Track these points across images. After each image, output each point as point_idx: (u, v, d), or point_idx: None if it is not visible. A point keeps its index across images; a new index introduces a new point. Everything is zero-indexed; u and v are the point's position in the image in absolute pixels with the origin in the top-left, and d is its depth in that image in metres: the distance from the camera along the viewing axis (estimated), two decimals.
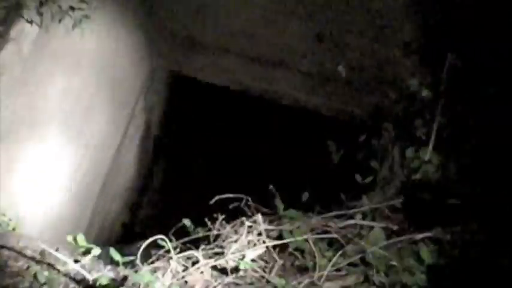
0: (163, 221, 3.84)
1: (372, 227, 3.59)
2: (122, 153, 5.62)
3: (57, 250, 3.33)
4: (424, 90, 3.79)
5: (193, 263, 3.38)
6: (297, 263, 3.43)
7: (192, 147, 6.69)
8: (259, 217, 3.55)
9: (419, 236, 3.48)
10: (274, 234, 3.55)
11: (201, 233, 3.62)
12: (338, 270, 3.34)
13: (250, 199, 3.66)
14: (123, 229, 6.09)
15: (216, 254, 3.45)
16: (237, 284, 3.27)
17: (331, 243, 3.54)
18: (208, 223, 3.61)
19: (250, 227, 3.52)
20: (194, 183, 6.51)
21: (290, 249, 3.46)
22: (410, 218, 3.63)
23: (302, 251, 3.44)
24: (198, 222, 3.70)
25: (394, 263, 3.24)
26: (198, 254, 3.39)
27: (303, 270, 3.38)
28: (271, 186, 3.69)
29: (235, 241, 3.44)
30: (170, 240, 3.40)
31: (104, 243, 4.04)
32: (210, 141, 6.63)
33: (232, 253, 3.37)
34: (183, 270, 3.33)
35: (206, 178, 6.43)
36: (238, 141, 6.42)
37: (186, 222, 3.64)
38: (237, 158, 6.46)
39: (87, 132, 4.74)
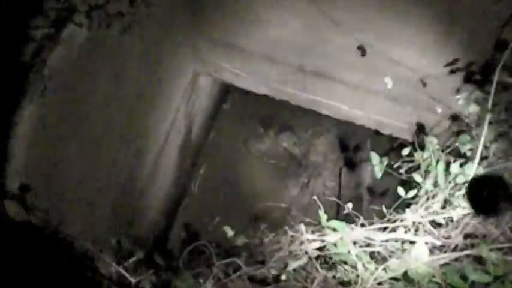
0: (201, 227, 3.87)
1: (415, 242, 3.57)
2: (162, 158, 5.66)
3: (100, 251, 3.36)
4: (471, 105, 3.76)
5: (235, 271, 3.38)
6: (338, 275, 3.41)
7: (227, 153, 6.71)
8: (302, 227, 3.54)
9: (464, 253, 3.45)
10: (317, 245, 3.54)
11: (242, 240, 3.61)
12: (380, 284, 3.32)
13: (293, 208, 3.66)
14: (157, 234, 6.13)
15: (258, 262, 3.44)
16: None
17: (373, 256, 3.52)
18: (251, 231, 3.61)
19: (292, 236, 3.51)
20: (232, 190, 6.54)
21: (332, 261, 3.44)
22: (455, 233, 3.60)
23: (344, 263, 3.42)
24: (239, 230, 3.71)
25: (437, 279, 3.20)
26: (239, 261, 3.38)
27: (345, 282, 3.37)
28: (314, 197, 3.68)
29: (278, 250, 3.44)
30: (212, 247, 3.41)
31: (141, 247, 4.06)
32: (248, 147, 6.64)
33: (274, 262, 3.36)
34: (225, 277, 3.33)
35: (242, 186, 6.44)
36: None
37: (227, 229, 3.64)
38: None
39: (130, 137, 4.78)
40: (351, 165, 5.60)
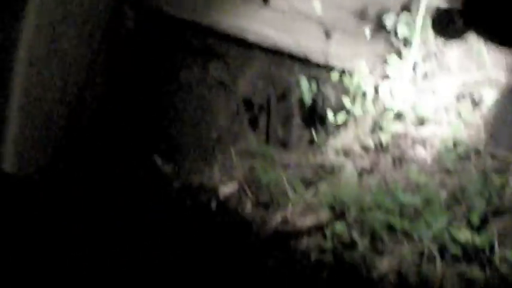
0: None
1: (344, 166, 3.57)
2: None
3: None
4: (400, 26, 3.73)
5: None
6: (270, 200, 3.38)
7: None
8: (232, 152, 3.49)
9: (393, 173, 3.48)
10: (247, 170, 3.50)
11: (169, 168, 3.55)
12: (311, 207, 3.31)
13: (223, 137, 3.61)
14: None
15: (186, 189, 3.39)
16: (209, 218, 3.22)
17: (303, 180, 3.51)
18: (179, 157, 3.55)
19: (222, 163, 3.47)
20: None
21: (263, 186, 3.41)
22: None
23: (275, 187, 3.40)
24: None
25: (368, 201, 3.22)
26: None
27: (276, 207, 3.35)
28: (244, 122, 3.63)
29: (207, 178, 3.39)
30: None
31: None
32: None
33: (203, 188, 3.32)
34: None
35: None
36: None
37: (157, 159, 3.57)
38: None
39: None
40: (281, 92, 5.53)
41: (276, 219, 3.23)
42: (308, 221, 3.22)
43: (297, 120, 4.11)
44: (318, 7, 4.14)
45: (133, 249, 3.11)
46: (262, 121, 4.08)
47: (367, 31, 4.06)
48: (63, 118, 4.15)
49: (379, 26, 4.04)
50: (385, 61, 3.94)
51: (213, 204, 3.30)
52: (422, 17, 3.70)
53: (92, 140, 3.71)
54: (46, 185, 3.37)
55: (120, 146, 3.79)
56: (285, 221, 3.24)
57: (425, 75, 3.81)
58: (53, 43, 4.01)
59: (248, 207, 3.34)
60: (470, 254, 3.06)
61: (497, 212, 3.22)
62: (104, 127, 3.78)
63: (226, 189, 3.37)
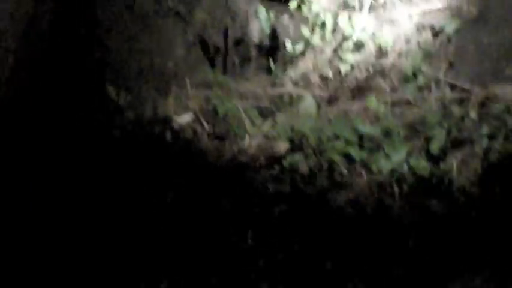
0: None
1: (303, 96, 3.51)
2: None
3: None
4: None
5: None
6: (227, 130, 3.30)
7: None
8: (187, 82, 3.39)
9: (353, 105, 3.42)
10: (202, 101, 3.41)
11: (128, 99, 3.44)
12: (269, 138, 3.24)
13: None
14: None
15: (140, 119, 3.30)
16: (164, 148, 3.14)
17: (262, 111, 3.43)
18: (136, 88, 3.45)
19: (177, 93, 3.37)
20: None
21: (220, 117, 3.33)
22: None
23: (232, 119, 3.32)
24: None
25: (327, 131, 3.15)
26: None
27: (233, 137, 3.27)
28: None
29: (163, 107, 3.29)
30: None
31: None
32: None
33: (158, 118, 3.22)
34: None
35: None
36: None
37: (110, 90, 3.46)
38: None
39: None
40: (239, 22, 5.40)
41: (232, 150, 3.16)
42: (265, 152, 3.15)
43: (254, 50, 4.00)
44: None
45: (87, 182, 3.01)
46: (219, 52, 3.96)
47: None
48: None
49: None
50: None
51: (168, 135, 3.21)
52: None
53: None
54: None
55: (72, 78, 3.65)
56: (242, 152, 3.17)
57: (385, 5, 3.72)
58: None
59: (204, 138, 3.26)
60: (429, 185, 3.04)
61: (457, 143, 3.19)
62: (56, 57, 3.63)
63: (182, 119, 3.28)
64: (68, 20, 3.94)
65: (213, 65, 3.84)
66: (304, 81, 3.66)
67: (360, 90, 3.57)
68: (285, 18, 3.98)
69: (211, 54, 3.96)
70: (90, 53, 3.87)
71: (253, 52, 3.98)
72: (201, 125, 3.32)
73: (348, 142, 3.12)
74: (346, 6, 3.82)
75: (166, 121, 3.28)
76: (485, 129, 3.18)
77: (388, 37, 3.61)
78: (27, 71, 3.46)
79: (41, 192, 2.94)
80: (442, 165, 3.07)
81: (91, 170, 3.07)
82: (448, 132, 3.16)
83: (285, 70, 3.77)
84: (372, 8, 3.75)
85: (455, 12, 3.59)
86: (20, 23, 4.48)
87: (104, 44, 3.87)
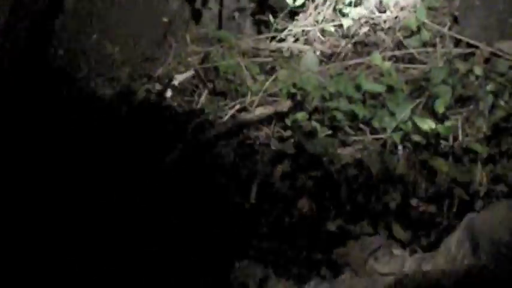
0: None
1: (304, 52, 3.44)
2: None
3: None
4: None
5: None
6: (227, 87, 3.24)
7: None
8: (187, 37, 3.32)
9: (355, 61, 3.37)
10: (202, 57, 3.34)
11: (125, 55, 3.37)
12: (271, 95, 3.18)
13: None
14: None
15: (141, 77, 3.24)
16: (163, 108, 3.08)
17: (262, 67, 3.37)
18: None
19: (176, 48, 3.30)
20: None
21: (220, 73, 3.26)
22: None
23: (233, 75, 3.25)
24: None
25: (329, 89, 3.09)
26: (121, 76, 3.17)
27: (234, 95, 3.21)
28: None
29: (161, 64, 3.22)
30: None
31: None
32: None
33: (157, 77, 3.16)
34: None
35: None
36: None
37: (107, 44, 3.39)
38: None
39: None
40: None
41: (234, 107, 3.11)
42: (268, 109, 3.09)
43: (252, 3, 3.91)
44: None
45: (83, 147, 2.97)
46: (215, 4, 3.86)
47: None
48: None
49: None
50: None
51: (168, 93, 3.14)
52: None
53: None
54: None
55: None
56: (243, 109, 3.12)
57: None
58: None
59: (205, 95, 3.19)
60: (433, 143, 3.00)
61: (462, 100, 3.15)
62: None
63: (181, 77, 3.21)
64: None
65: (209, 18, 3.75)
66: (306, 36, 3.58)
67: (362, 46, 3.50)
68: None
69: (207, 6, 3.86)
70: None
71: (251, 5, 3.89)
72: (202, 82, 3.25)
73: (351, 99, 3.07)
74: None
75: (167, 78, 3.21)
76: (490, 86, 3.13)
77: None
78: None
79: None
80: (446, 122, 3.02)
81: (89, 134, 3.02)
82: (453, 89, 3.10)
83: (285, 25, 3.68)
84: None
85: None
86: None
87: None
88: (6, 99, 3.15)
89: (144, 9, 3.86)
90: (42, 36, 5.38)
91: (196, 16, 3.71)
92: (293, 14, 3.75)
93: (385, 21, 3.51)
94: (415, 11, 3.47)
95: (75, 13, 5.72)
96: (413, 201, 2.93)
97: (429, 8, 3.49)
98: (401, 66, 3.33)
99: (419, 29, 3.41)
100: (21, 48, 3.46)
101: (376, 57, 3.27)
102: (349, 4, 3.59)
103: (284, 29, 3.64)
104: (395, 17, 3.49)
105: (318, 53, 3.49)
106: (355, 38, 3.51)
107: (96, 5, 5.49)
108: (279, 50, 3.49)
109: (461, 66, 3.22)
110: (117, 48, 3.45)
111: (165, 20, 3.67)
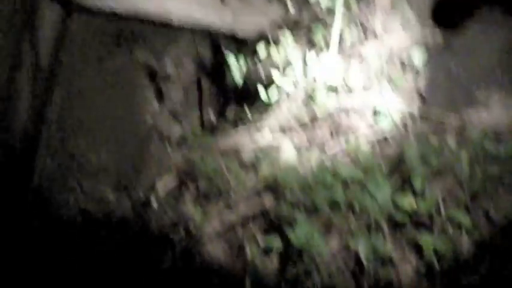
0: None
1: (282, 143, 3.53)
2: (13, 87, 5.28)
3: None
4: None
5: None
6: (211, 188, 3.31)
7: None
8: (167, 146, 3.41)
9: (334, 150, 3.45)
10: (184, 160, 3.43)
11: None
12: (253, 191, 3.25)
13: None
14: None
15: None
16: (149, 219, 3.14)
17: (243, 164, 3.45)
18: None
19: (157, 154, 3.39)
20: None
21: (203, 175, 3.33)
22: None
23: (215, 175, 3.32)
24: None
25: (309, 179, 3.16)
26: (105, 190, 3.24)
27: (218, 194, 3.28)
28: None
29: (144, 170, 3.31)
30: None
31: None
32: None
33: (141, 187, 3.23)
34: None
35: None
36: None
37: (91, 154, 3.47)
38: None
39: None
40: (211, 72, 5.43)
41: (219, 209, 3.17)
42: (251, 207, 3.16)
43: (229, 99, 4.02)
44: None
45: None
46: (193, 104, 3.98)
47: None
48: None
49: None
50: (310, 31, 3.87)
51: (153, 203, 3.21)
52: None
53: None
54: None
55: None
56: (228, 209, 3.18)
57: (352, 43, 3.75)
58: None
59: (189, 199, 3.26)
60: (417, 219, 3.05)
61: (439, 173, 3.21)
62: None
63: (164, 183, 3.28)
64: None
65: (188, 118, 3.85)
66: (282, 127, 3.67)
67: (337, 131, 3.58)
68: (256, 63, 4.01)
69: (185, 106, 3.98)
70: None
71: (228, 103, 4.01)
72: (186, 186, 3.32)
73: (331, 187, 3.13)
74: (313, 46, 3.85)
75: (151, 187, 3.28)
76: (465, 156, 3.21)
77: (358, 74, 3.63)
78: None
79: None
80: (427, 197, 3.08)
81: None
82: (429, 164, 3.18)
83: (261, 118, 3.77)
84: (339, 47, 3.77)
85: (422, 45, 3.62)
86: None
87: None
88: None
89: (125, 113, 3.97)
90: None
91: (176, 116, 3.81)
92: (268, 106, 3.85)
93: (355, 105, 3.59)
94: (383, 92, 3.58)
95: (60, 123, 5.87)
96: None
97: (397, 88, 3.59)
98: (377, 147, 3.41)
99: (388, 109, 3.50)
100: None
101: (351, 142, 3.36)
102: (320, 92, 3.69)
103: (261, 122, 3.72)
104: (366, 100, 3.58)
105: (295, 142, 3.57)
106: (329, 125, 3.60)
107: (79, 114, 5.64)
108: (258, 145, 3.56)
109: (434, 141, 3.31)
110: (101, 156, 3.53)
111: (146, 123, 3.77)
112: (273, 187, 3.21)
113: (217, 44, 5.38)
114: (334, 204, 3.09)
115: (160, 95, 5.58)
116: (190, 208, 3.17)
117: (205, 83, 5.17)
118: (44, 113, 6.19)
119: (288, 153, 3.42)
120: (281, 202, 3.13)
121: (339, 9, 3.62)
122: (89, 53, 6.41)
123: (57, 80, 6.26)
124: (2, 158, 5.12)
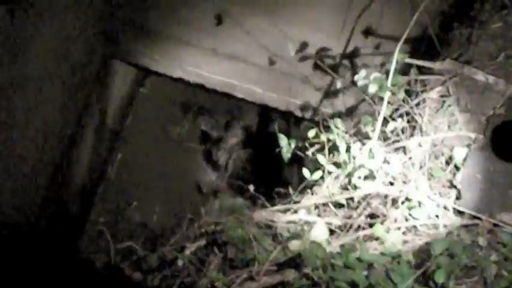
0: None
1: (316, 223, 3.59)
2: (76, 143, 5.53)
3: None
4: (371, 85, 3.75)
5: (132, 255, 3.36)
6: (238, 256, 3.39)
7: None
8: (202, 210, 3.52)
9: (363, 232, 3.49)
10: (216, 227, 3.53)
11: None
12: (279, 264, 3.31)
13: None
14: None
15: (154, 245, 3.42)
16: (173, 277, 3.23)
17: (274, 237, 3.52)
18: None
19: (191, 219, 3.49)
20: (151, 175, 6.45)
21: (232, 243, 3.42)
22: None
23: (242, 244, 3.41)
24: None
25: (336, 261, 3.21)
26: (136, 245, 3.36)
27: (244, 264, 3.35)
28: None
29: (174, 233, 3.41)
30: None
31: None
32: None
33: (171, 245, 3.33)
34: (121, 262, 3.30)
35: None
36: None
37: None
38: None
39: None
40: (261, 145, 5.59)
41: (241, 278, 3.24)
42: (273, 279, 3.21)
43: (273, 173, 4.14)
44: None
45: None
46: (238, 172, 4.11)
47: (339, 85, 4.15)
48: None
49: (351, 83, 4.12)
50: (357, 118, 3.98)
51: (179, 262, 3.31)
52: (393, 75, 3.72)
53: None
54: None
55: None
56: (250, 278, 3.24)
57: (396, 133, 3.83)
58: None
59: (215, 264, 3.34)
60: None
61: (466, 270, 3.21)
62: None
63: (194, 246, 3.38)
64: None
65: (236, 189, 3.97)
66: (319, 206, 3.74)
67: (372, 217, 3.63)
68: (304, 144, 4.12)
69: (236, 177, 4.10)
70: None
71: (271, 176, 4.11)
72: (213, 251, 3.41)
73: (355, 271, 3.17)
74: (359, 134, 3.95)
75: (180, 247, 3.39)
76: (493, 257, 3.21)
77: (398, 164, 3.69)
78: None
79: None
80: None
81: None
82: (456, 260, 3.18)
83: (300, 195, 3.87)
84: (383, 136, 3.85)
85: (464, 141, 3.67)
86: None
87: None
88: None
89: (177, 177, 4.12)
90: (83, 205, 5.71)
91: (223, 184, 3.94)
92: (310, 186, 3.94)
93: (393, 194, 3.64)
94: (421, 184, 3.62)
95: (118, 182, 6.08)
96: None
97: (435, 181, 3.63)
98: (407, 237, 3.43)
99: (424, 201, 3.53)
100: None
101: (380, 229, 3.40)
102: (360, 177, 3.76)
103: (298, 202, 3.81)
104: (403, 190, 3.62)
105: (330, 224, 3.63)
106: (365, 210, 3.65)
107: (136, 174, 5.84)
108: (292, 222, 3.65)
109: (465, 237, 3.32)
110: (146, 214, 3.67)
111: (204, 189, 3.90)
112: (298, 262, 3.26)
113: (271, 118, 5.57)
114: (354, 286, 3.12)
115: (213, 163, 5.79)
116: (214, 273, 3.24)
117: (254, 155, 5.35)
118: (104, 171, 6.45)
119: (319, 231, 3.48)
120: (302, 277, 3.18)
121: (386, 100, 3.70)
122: (156, 117, 6.69)
123: (121, 141, 6.55)
124: (56, 213, 5.34)
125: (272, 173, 4.89)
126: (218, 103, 6.52)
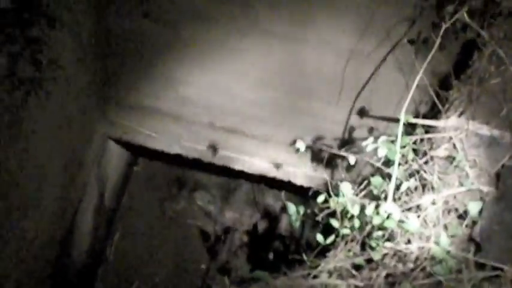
0: None
1: (337, 286, 3.59)
2: (76, 225, 5.51)
3: None
4: (380, 149, 3.83)
5: None
6: None
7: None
8: (225, 280, 3.51)
9: None
10: None
11: None
12: None
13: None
14: None
15: None
16: None
17: None
18: None
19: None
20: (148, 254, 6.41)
21: None
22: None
23: None
24: None
25: None
26: None
27: None
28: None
29: None
30: None
31: None
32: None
33: None
34: None
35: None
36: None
37: None
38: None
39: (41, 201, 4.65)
40: (267, 217, 5.62)
41: None
42: None
43: (286, 244, 4.16)
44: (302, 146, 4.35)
45: None
46: (251, 247, 4.13)
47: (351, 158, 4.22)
48: None
49: (360, 150, 4.21)
50: (368, 180, 4.04)
51: None
52: (401, 138, 3.80)
53: None
54: None
55: None
56: None
57: (408, 193, 3.89)
58: None
59: None
60: None
61: None
62: None
63: None
64: None
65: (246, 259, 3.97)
66: (338, 270, 3.75)
67: (393, 277, 3.65)
68: (314, 210, 4.15)
69: (243, 248, 4.11)
70: None
71: (284, 246, 4.13)
72: None
73: None
74: (371, 196, 4.01)
75: None
76: None
77: (414, 223, 3.73)
78: None
79: None
80: None
81: None
82: None
83: (317, 262, 3.88)
84: (396, 196, 3.91)
85: (477, 194, 3.74)
86: None
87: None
88: None
89: (186, 255, 4.11)
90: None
91: (233, 259, 3.93)
92: (324, 251, 3.96)
93: (412, 253, 3.67)
94: (439, 240, 3.65)
95: (116, 262, 6.03)
96: None
97: (452, 236, 3.68)
98: None
99: (444, 257, 3.57)
100: None
101: (407, 287, 3.42)
102: (377, 238, 3.79)
103: (317, 266, 3.82)
104: (421, 247, 3.66)
105: (350, 284, 3.64)
106: (385, 270, 3.67)
107: (134, 254, 5.80)
108: (312, 284, 3.65)
109: None
110: None
111: (203, 266, 3.90)
112: None
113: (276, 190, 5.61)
114: None
115: (217, 239, 5.77)
116: None
117: (262, 227, 5.34)
118: (103, 252, 6.41)
119: None
120: None
121: (397, 161, 3.77)
122: (151, 195, 6.70)
123: (119, 221, 6.53)
124: None
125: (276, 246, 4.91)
126: (214, 176, 6.56)
